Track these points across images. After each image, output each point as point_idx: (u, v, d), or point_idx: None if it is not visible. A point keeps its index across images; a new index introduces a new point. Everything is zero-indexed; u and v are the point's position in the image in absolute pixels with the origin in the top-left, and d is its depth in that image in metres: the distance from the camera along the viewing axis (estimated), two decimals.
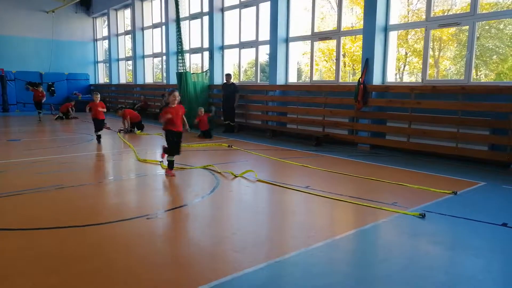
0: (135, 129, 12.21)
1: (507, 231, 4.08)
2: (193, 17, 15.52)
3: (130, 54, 20.53)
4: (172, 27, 15.70)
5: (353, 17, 16.80)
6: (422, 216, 4.41)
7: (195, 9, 15.40)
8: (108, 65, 22.26)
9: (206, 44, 14.73)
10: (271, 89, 11.84)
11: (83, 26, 22.99)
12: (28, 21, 20.65)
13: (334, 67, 11.46)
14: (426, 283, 2.97)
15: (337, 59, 10.66)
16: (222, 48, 14.14)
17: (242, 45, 13.45)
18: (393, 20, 9.09)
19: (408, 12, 15.80)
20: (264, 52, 13.38)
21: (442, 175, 6.57)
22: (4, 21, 19.95)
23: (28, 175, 6.45)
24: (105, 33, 22.50)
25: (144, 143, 10.12)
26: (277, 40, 11.47)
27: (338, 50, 10.57)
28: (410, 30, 13.60)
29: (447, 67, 16.21)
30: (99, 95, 10.09)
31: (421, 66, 9.17)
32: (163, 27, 16.99)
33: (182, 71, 13.76)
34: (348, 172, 6.62)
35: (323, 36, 11.13)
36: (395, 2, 9.12)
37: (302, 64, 16.02)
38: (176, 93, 6.53)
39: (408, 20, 14.39)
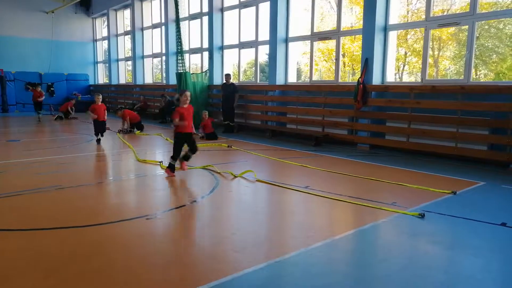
0: (135, 129, 12.22)
1: (506, 230, 4.08)
2: (192, 17, 15.52)
3: (129, 54, 20.53)
4: (172, 27, 15.70)
5: (353, 17, 16.81)
6: (422, 216, 4.41)
7: (195, 9, 15.40)
8: (107, 65, 22.26)
9: (205, 44, 14.73)
10: (270, 89, 11.84)
11: (83, 26, 22.99)
12: (28, 21, 20.64)
13: (333, 67, 11.45)
14: (425, 283, 2.97)
15: (337, 59, 10.67)
16: (222, 48, 14.14)
17: (242, 45, 13.46)
18: (392, 20, 9.10)
19: (408, 12, 15.81)
20: (263, 52, 13.40)
21: (441, 175, 6.58)
22: (4, 21, 19.94)
23: (27, 175, 6.45)
24: (105, 33, 22.50)
25: (144, 144, 10.11)
26: (277, 40, 11.48)
27: (338, 50, 10.57)
28: (409, 30, 13.61)
29: (447, 67, 16.22)
30: (101, 96, 9.97)
31: (420, 66, 9.18)
32: (163, 27, 16.99)
33: (181, 71, 13.77)
34: (348, 172, 6.62)
35: (323, 36, 11.14)
36: (395, 2, 9.13)
37: (302, 64, 16.03)
38: (188, 93, 6.40)
39: (407, 20, 14.39)
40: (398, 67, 16.81)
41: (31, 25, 20.73)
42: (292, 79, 11.82)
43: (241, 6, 13.22)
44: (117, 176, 6.73)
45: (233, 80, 13.00)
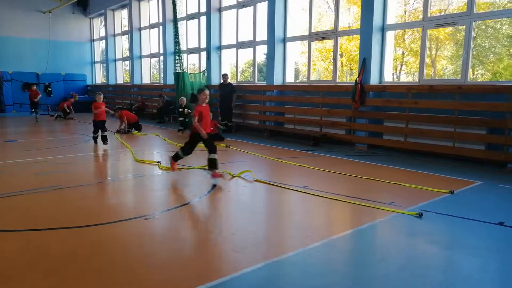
0: (133, 129, 12.21)
1: (503, 230, 4.10)
2: (190, 17, 15.51)
3: (127, 54, 20.49)
4: (170, 27, 15.70)
5: (350, 17, 16.84)
6: (419, 215, 4.43)
7: (192, 9, 15.39)
8: (105, 65, 22.21)
9: (203, 44, 14.73)
10: (268, 89, 11.85)
11: (80, 26, 22.93)
12: (25, 21, 20.57)
13: (331, 67, 11.47)
14: (424, 283, 2.98)
15: (335, 59, 10.68)
16: (220, 48, 14.14)
17: (240, 45, 13.46)
18: (390, 20, 9.12)
19: (405, 12, 15.84)
20: (261, 52, 13.40)
21: (439, 174, 6.60)
22: (0, 21, 19.88)
23: (26, 176, 6.44)
24: (102, 33, 22.45)
25: (142, 144, 10.11)
26: (275, 40, 11.49)
27: (336, 50, 10.59)
28: (407, 30, 13.64)
29: (444, 67, 16.27)
30: (102, 95, 9.70)
31: (418, 66, 9.20)
32: (160, 27, 16.97)
33: (179, 71, 13.78)
34: (346, 172, 6.64)
35: (321, 36, 11.15)
36: (392, 2, 9.15)
37: (300, 64, 16.05)
38: (207, 92, 6.14)
39: (405, 20, 14.42)
40: (395, 67, 16.85)
41: (28, 25, 20.66)
42: (290, 79, 11.83)
43: (239, 6, 13.22)
44: (115, 176, 6.73)
45: (231, 80, 13.00)
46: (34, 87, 16.37)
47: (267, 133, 11.44)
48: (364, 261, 3.41)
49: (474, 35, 9.64)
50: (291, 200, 5.24)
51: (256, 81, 13.21)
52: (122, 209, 4.82)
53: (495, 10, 9.57)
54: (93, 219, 4.34)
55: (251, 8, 12.67)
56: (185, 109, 11.17)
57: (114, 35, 21.16)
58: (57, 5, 20.52)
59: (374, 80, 9.15)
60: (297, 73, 14.48)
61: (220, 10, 13.98)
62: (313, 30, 11.05)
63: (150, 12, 18.45)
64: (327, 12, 17.38)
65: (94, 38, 23.43)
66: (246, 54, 14.33)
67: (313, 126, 10.45)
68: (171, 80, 15.72)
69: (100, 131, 9.40)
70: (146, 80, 19.23)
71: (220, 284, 2.89)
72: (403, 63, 17.65)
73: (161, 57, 17.29)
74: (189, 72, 14.41)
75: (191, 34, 15.82)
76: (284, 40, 11.62)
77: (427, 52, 12.91)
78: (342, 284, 2.97)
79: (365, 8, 9.09)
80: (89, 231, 3.98)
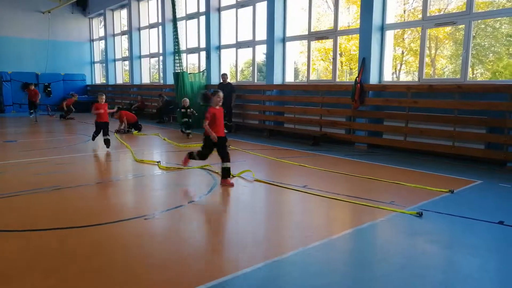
0: (132, 129, 12.20)
1: (503, 229, 4.10)
2: (189, 17, 15.51)
3: (126, 54, 20.48)
4: (169, 27, 15.69)
5: (350, 17, 16.84)
6: (419, 215, 4.43)
7: (192, 9, 15.39)
8: (104, 65, 22.20)
9: (203, 44, 14.72)
10: (268, 89, 11.85)
11: (80, 26, 22.92)
12: (24, 21, 20.55)
13: (330, 67, 11.47)
14: (424, 282, 2.99)
15: (334, 59, 10.68)
16: (219, 48, 14.14)
17: (239, 44, 13.46)
18: (389, 20, 9.11)
19: (404, 11, 15.85)
20: (261, 52, 13.40)
21: (439, 173, 6.60)
22: (0, 21, 19.87)
23: (25, 176, 6.44)
24: (102, 33, 22.44)
25: (141, 144, 10.10)
26: (274, 39, 11.48)
27: (335, 50, 10.59)
28: (406, 29, 13.64)
29: (444, 66, 16.28)
30: (104, 96, 9.33)
31: (417, 65, 9.20)
32: (160, 27, 16.97)
33: (179, 71, 13.76)
34: (345, 172, 6.64)
35: (320, 35, 11.15)
36: (392, 2, 9.15)
37: (299, 64, 16.05)
38: (221, 94, 5.91)
39: (404, 20, 14.42)
40: (395, 66, 16.86)
41: (28, 25, 20.64)
42: (289, 78, 11.83)
43: (238, 5, 13.22)
44: (115, 176, 6.72)
45: (230, 79, 12.99)
46: (32, 87, 16.35)
47: (266, 132, 11.44)
48: (364, 261, 3.41)
49: (474, 34, 9.64)
50: (291, 200, 5.24)
51: (255, 81, 13.21)
52: (122, 209, 4.82)
53: (494, 9, 9.57)
54: (93, 219, 4.34)
55: (251, 7, 12.67)
56: (188, 110, 11.03)
57: (114, 35, 21.15)
58: (56, 5, 20.50)
59: (373, 79, 9.15)
60: (296, 72, 14.48)
61: (219, 9, 13.98)
62: (312, 30, 11.05)
63: (149, 12, 18.44)
64: (327, 12, 17.40)
65: (94, 38, 23.42)
66: (245, 54, 14.33)
67: (312, 126, 10.45)
68: (170, 80, 15.72)
69: (102, 132, 9.06)
70: (145, 80, 19.22)
71: (220, 284, 2.89)
72: (403, 63, 17.65)
73: (161, 57, 17.28)
74: (188, 72, 14.40)
75: (191, 34, 15.82)
76: (284, 40, 11.62)
77: (427, 51, 12.91)
78: (342, 284, 2.97)
79: (365, 8, 9.08)
80: (89, 231, 3.98)
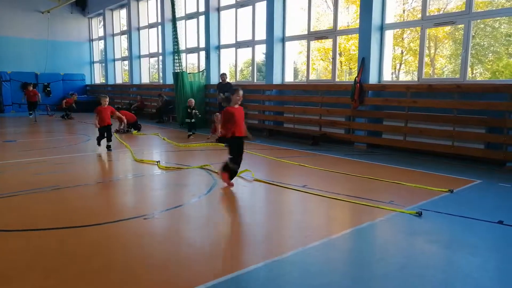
0: (132, 129, 12.20)
1: (503, 228, 4.10)
2: (189, 16, 15.50)
3: (126, 54, 20.47)
4: (168, 27, 15.69)
5: (349, 16, 16.84)
6: (419, 214, 4.43)
7: (191, 8, 15.38)
8: (104, 65, 22.19)
9: (202, 44, 14.71)
10: (267, 89, 11.85)
11: (79, 26, 22.90)
12: (23, 21, 20.52)
13: (330, 66, 11.48)
14: (423, 282, 2.99)
15: (334, 58, 10.68)
16: (219, 47, 14.14)
17: (239, 44, 13.45)
18: (389, 19, 9.11)
19: (404, 11, 15.85)
20: (260, 52, 13.40)
21: (438, 173, 6.61)
22: None
23: (25, 176, 6.43)
24: (101, 33, 22.42)
25: (141, 143, 10.10)
26: (274, 39, 11.48)
27: (335, 49, 10.59)
28: (405, 29, 13.65)
29: (443, 66, 16.29)
30: (107, 98, 8.92)
31: (417, 65, 9.20)
32: (159, 27, 16.96)
33: (178, 71, 13.77)
34: (345, 171, 6.64)
35: (320, 35, 11.15)
36: (391, 1, 9.15)
37: (299, 64, 16.07)
38: (241, 92, 5.59)
39: (403, 19, 14.43)
40: (394, 66, 16.87)
41: (27, 25, 20.61)
42: (289, 78, 11.83)
43: (238, 5, 13.22)
44: (114, 176, 6.72)
45: (230, 79, 12.99)
46: (31, 87, 16.32)
47: (266, 132, 11.44)
48: (363, 260, 3.41)
49: (473, 34, 9.65)
50: (291, 200, 5.24)
51: (255, 81, 13.20)
52: (122, 209, 4.83)
53: (494, 9, 9.58)
54: (92, 219, 4.34)
55: (250, 7, 12.66)
56: (193, 111, 10.92)
57: (113, 35, 21.14)
58: (55, 5, 20.49)
59: (373, 79, 9.15)
60: (296, 72, 14.49)
61: (219, 9, 13.97)
62: (312, 30, 11.05)
63: (148, 12, 18.44)
64: (326, 12, 17.41)
65: (93, 38, 23.40)
66: (245, 54, 14.33)
67: (312, 126, 10.45)
68: (170, 80, 15.71)
69: (106, 137, 8.73)
70: (145, 80, 19.21)
71: (219, 283, 2.89)
72: (402, 62, 17.67)
73: (160, 57, 17.27)
74: (188, 72, 14.40)
75: (190, 33, 15.82)
76: (283, 40, 11.61)
77: (426, 51, 12.92)
78: (342, 284, 2.97)
79: (364, 7, 9.08)
80: (88, 231, 3.98)
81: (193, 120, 10.95)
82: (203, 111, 13.47)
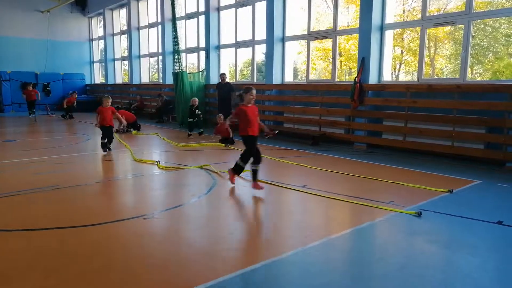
0: (131, 129, 12.20)
1: (502, 229, 4.11)
2: (189, 16, 15.50)
3: (126, 54, 20.46)
4: (168, 27, 15.68)
5: (349, 16, 16.84)
6: (418, 214, 4.44)
7: (191, 8, 15.38)
8: (104, 65, 22.18)
9: (202, 44, 14.71)
10: (267, 89, 11.85)
11: (79, 26, 22.88)
12: (23, 21, 20.51)
13: (330, 66, 11.48)
14: (423, 282, 2.99)
15: (333, 58, 10.69)
16: (219, 47, 14.14)
17: (238, 44, 13.46)
18: (388, 19, 9.12)
19: (404, 11, 15.86)
20: (260, 52, 13.40)
21: (438, 173, 6.61)
22: None
23: (25, 175, 6.43)
24: (101, 33, 22.41)
25: (141, 143, 10.10)
26: (273, 39, 11.48)
27: (334, 49, 10.59)
28: (405, 29, 13.65)
29: (443, 66, 16.29)
30: (110, 99, 8.74)
31: (416, 65, 9.21)
32: (159, 26, 16.95)
33: (178, 70, 13.77)
34: (345, 171, 6.64)
35: (319, 35, 11.15)
36: (391, 1, 9.15)
37: (299, 63, 16.07)
38: (254, 91, 5.56)
39: (403, 19, 14.43)
40: (394, 66, 16.88)
41: (27, 24, 20.60)
42: (289, 78, 11.83)
43: (238, 5, 13.22)
44: (114, 176, 6.72)
45: (229, 79, 12.99)
46: (30, 87, 16.31)
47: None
48: (363, 260, 3.42)
49: (473, 34, 9.65)
50: (290, 200, 5.24)
51: (255, 81, 13.20)
52: (122, 209, 4.83)
53: (494, 9, 9.58)
54: (92, 218, 4.34)
55: (250, 7, 12.67)
56: (196, 110, 10.86)
57: (113, 35, 21.13)
58: (55, 4, 20.48)
59: (373, 79, 9.16)
60: (296, 72, 14.50)
61: (219, 9, 13.97)
62: (312, 30, 11.06)
63: (148, 12, 18.43)
64: (326, 12, 17.41)
65: (93, 37, 23.39)
66: (245, 54, 14.33)
67: (312, 126, 10.46)
68: (170, 80, 15.71)
69: (107, 139, 8.52)
70: (145, 79, 19.21)
71: (219, 283, 2.90)
72: (402, 62, 17.67)
73: (160, 57, 17.27)
74: (188, 72, 14.40)
75: (190, 33, 15.81)
76: (283, 39, 11.62)
77: (426, 51, 12.92)
78: (341, 283, 2.98)
79: (364, 7, 9.09)
80: (88, 231, 3.98)
81: (195, 120, 10.94)
82: (203, 111, 13.46)
